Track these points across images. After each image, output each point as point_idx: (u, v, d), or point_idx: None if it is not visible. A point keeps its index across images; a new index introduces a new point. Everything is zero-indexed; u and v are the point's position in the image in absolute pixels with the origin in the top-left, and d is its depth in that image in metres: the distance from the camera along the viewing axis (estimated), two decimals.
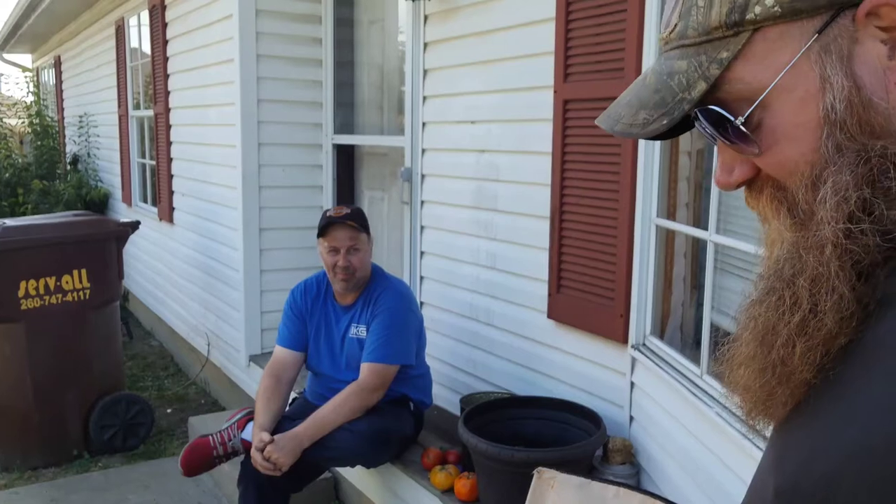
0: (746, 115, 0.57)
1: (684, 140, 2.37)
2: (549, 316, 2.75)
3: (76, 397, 4.05)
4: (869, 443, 0.47)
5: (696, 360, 2.10)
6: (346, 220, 2.78)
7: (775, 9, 0.54)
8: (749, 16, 0.55)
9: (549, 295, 2.74)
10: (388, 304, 2.81)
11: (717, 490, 1.89)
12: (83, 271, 4.00)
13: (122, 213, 6.86)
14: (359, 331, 2.84)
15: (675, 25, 0.60)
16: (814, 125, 0.55)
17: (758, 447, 1.67)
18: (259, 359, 4.17)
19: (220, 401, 4.91)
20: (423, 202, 3.43)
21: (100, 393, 4.14)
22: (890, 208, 0.52)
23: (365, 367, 2.74)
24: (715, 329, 2.06)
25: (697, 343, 2.25)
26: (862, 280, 0.54)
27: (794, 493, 0.51)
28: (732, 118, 0.58)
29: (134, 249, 6.70)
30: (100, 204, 7.37)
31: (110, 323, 4.25)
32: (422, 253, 3.48)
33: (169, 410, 4.85)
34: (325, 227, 2.79)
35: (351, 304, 2.88)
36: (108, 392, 4.16)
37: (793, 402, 0.57)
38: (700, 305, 2.29)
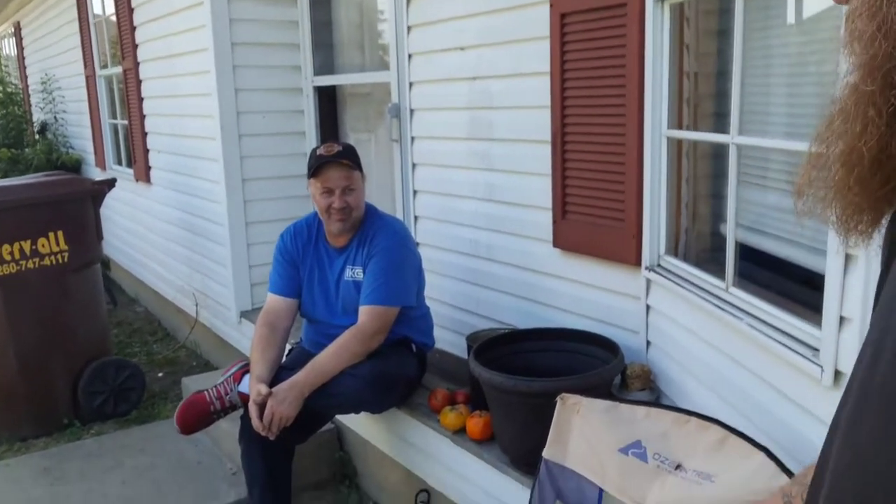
0: None
1: (691, 45, 2.22)
2: (556, 245, 2.62)
3: (62, 364, 3.90)
4: None
5: (719, 274, 1.98)
6: (340, 158, 2.62)
7: None
8: None
9: (554, 222, 2.60)
10: (385, 243, 2.66)
11: (750, 404, 1.78)
12: (59, 233, 3.81)
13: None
14: (354, 273, 2.70)
15: None
16: None
17: (799, 354, 1.56)
18: (250, 314, 4.02)
19: (212, 361, 4.78)
20: (413, 138, 3.27)
21: (87, 359, 3.99)
22: None
23: (364, 311, 2.60)
24: (739, 245, 1.94)
25: (716, 258, 2.13)
26: None
27: None
28: None
29: (111, 214, 6.48)
30: (72, 170, 7.11)
31: (92, 286, 4.08)
32: (415, 192, 3.33)
33: (160, 374, 4.72)
34: (318, 167, 2.63)
35: (345, 245, 2.73)
36: (95, 358, 4.02)
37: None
38: (718, 218, 2.17)
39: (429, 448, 2.67)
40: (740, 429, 1.51)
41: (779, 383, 1.65)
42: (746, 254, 1.96)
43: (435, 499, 2.74)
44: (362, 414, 2.84)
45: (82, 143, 7.07)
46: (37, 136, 8.21)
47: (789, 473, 1.40)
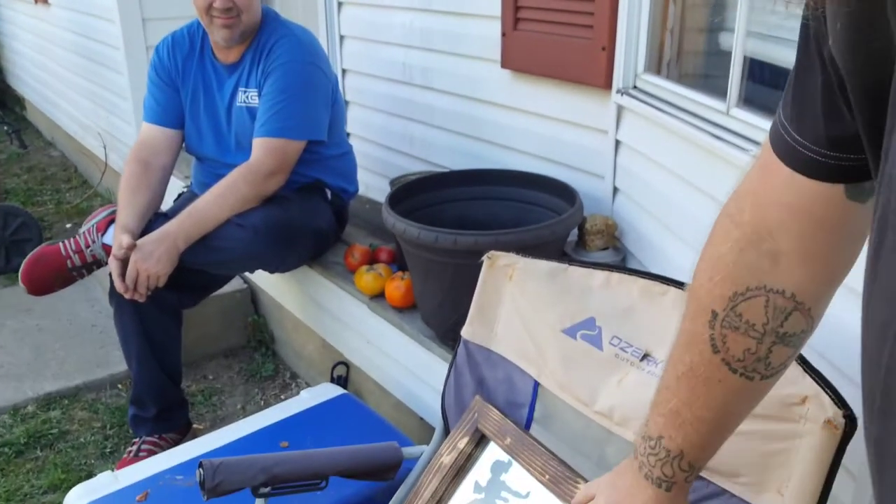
0: None
1: None
2: (504, 65, 2.05)
3: None
4: None
5: (718, 94, 1.44)
6: None
7: None
8: None
9: (504, 35, 2.01)
10: (285, 57, 2.06)
11: None
12: None
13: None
14: (248, 96, 2.11)
15: None
16: None
17: None
18: None
19: None
20: None
21: None
22: None
23: (257, 144, 2.04)
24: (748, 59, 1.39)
25: (713, 77, 1.58)
26: None
27: None
28: None
29: (20, 46, 5.70)
30: None
31: None
32: (339, 4, 2.68)
33: (69, 225, 4.16)
34: None
35: (236, 60, 2.13)
36: None
37: None
38: (718, 23, 1.60)
39: (343, 315, 2.20)
40: None
41: None
42: (757, 72, 1.41)
43: (353, 373, 2.30)
44: (274, 273, 2.35)
45: None
46: None
47: (818, 376, 0.92)
